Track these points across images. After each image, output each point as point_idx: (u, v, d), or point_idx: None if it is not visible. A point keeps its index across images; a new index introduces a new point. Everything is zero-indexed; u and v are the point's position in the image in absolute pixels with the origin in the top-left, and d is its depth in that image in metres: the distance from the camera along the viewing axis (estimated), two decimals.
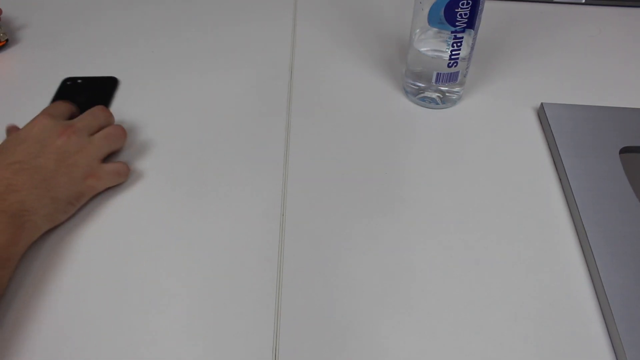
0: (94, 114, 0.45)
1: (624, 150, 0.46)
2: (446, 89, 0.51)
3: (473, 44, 0.48)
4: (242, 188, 0.45)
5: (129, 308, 0.37)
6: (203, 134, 0.50)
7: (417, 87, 0.52)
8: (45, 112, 0.44)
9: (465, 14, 0.44)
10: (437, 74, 0.49)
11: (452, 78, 0.49)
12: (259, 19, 0.64)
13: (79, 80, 0.55)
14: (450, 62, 0.48)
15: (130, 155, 0.48)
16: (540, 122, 0.51)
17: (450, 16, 0.44)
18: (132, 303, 0.37)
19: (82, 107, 0.51)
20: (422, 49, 0.49)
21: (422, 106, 0.52)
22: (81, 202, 0.42)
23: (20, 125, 0.43)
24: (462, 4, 0.43)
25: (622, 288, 0.37)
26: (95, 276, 0.38)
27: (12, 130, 0.44)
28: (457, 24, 0.45)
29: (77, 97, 0.53)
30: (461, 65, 0.48)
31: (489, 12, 0.64)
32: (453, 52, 0.47)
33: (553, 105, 0.50)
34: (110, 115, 0.47)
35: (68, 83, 0.55)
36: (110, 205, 0.43)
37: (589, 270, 0.39)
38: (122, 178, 0.44)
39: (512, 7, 0.65)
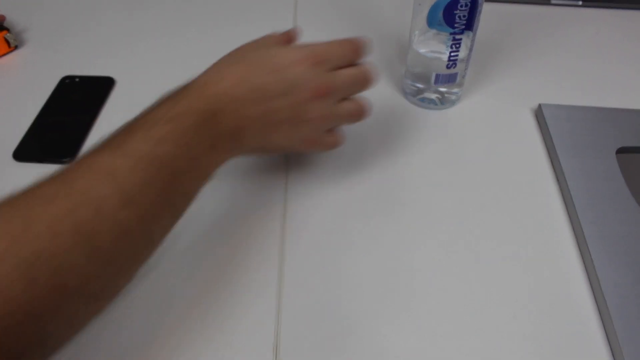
0: (356, 83, 0.40)
1: (621, 151, 0.47)
2: (445, 89, 0.51)
3: (472, 46, 0.48)
4: (242, 188, 0.45)
5: (129, 307, 0.37)
6: None
7: (416, 88, 0.52)
8: (317, 55, 0.38)
9: (464, 16, 0.44)
10: (436, 75, 0.49)
11: (450, 79, 0.50)
12: (259, 19, 0.64)
13: (77, 79, 0.55)
14: (449, 64, 0.48)
15: None
16: (538, 123, 0.51)
17: (449, 18, 0.45)
18: (132, 302, 0.37)
19: (76, 105, 0.52)
20: (421, 50, 0.49)
21: (421, 107, 0.52)
22: (285, 152, 0.44)
23: None
24: (461, 6, 0.44)
25: (619, 287, 0.37)
26: None
27: (288, 34, 0.41)
28: (455, 25, 0.45)
29: (73, 94, 0.54)
30: (460, 66, 0.49)
31: (487, 14, 0.65)
32: (452, 54, 0.47)
33: (551, 106, 0.51)
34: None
35: (66, 81, 0.55)
36: None
37: (586, 269, 0.39)
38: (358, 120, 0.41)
39: (510, 9, 0.65)
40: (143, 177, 0.30)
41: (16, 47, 0.59)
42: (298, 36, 0.42)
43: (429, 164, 0.47)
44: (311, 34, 0.62)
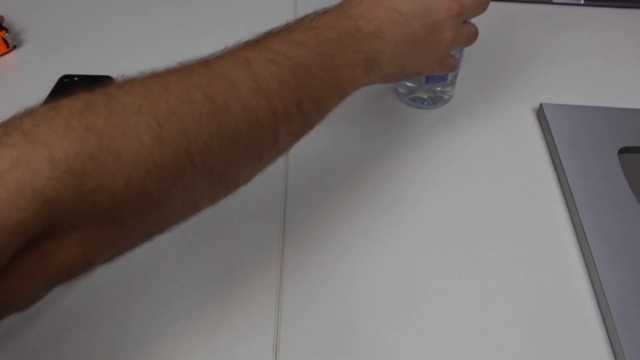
0: (479, 6, 0.41)
1: (623, 151, 0.46)
2: (437, 89, 0.51)
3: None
4: (242, 187, 0.45)
5: (129, 307, 0.37)
6: None
7: (408, 88, 0.52)
8: None
9: None
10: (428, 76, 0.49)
11: (442, 79, 0.49)
12: (258, 19, 0.63)
13: (76, 78, 0.55)
14: None
15: None
16: (540, 123, 0.51)
17: None
18: (132, 302, 0.37)
19: None
20: None
21: (414, 107, 0.52)
22: (412, 78, 0.43)
23: None
24: None
25: (620, 287, 0.37)
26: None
27: None
28: None
29: (72, 93, 0.53)
30: None
31: (487, 13, 0.64)
32: None
33: (552, 106, 0.50)
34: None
35: (65, 80, 0.55)
36: None
37: (587, 269, 0.39)
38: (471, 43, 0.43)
39: (511, 8, 0.65)
40: (277, 71, 0.31)
41: (14, 47, 0.59)
42: None
43: (430, 163, 0.47)
44: None
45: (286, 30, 0.34)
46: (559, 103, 0.51)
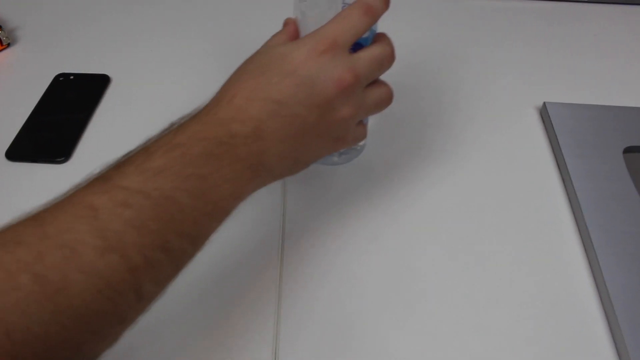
0: (381, 63, 0.35)
1: (628, 150, 0.46)
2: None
3: None
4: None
5: None
6: None
7: None
8: (326, 39, 0.32)
9: None
10: None
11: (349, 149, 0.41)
12: (258, 19, 0.63)
13: (71, 77, 0.55)
14: None
15: (119, 154, 0.47)
16: (543, 122, 0.50)
17: None
18: None
19: (72, 103, 0.51)
20: None
21: (320, 163, 0.45)
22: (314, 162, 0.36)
23: None
24: None
25: (625, 288, 0.36)
26: None
27: (289, 28, 0.37)
28: None
29: (67, 92, 0.53)
30: None
31: (490, 11, 0.64)
32: None
33: (556, 105, 0.50)
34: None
35: (60, 79, 0.54)
36: None
37: (591, 270, 0.39)
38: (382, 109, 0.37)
39: (514, 6, 0.65)
40: (132, 216, 0.25)
41: (9, 45, 0.59)
42: (295, 30, 0.38)
43: (431, 163, 0.46)
44: None
45: (144, 153, 0.28)
46: (563, 102, 0.50)
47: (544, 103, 0.50)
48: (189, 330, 0.35)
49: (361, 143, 0.44)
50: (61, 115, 0.50)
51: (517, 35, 0.61)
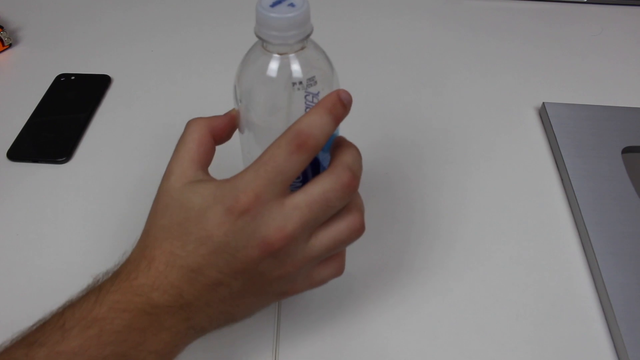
0: (328, 203, 0.27)
1: (626, 150, 0.46)
2: None
3: None
4: None
5: None
6: None
7: None
8: (250, 192, 0.26)
9: (298, 178, 0.29)
10: None
11: None
12: None
13: (72, 77, 0.55)
14: None
15: (120, 155, 0.47)
16: (542, 122, 0.50)
17: None
18: None
19: (73, 103, 0.51)
20: None
21: None
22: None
23: None
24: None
25: (623, 288, 0.36)
26: None
27: (199, 149, 0.30)
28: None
29: (69, 92, 0.53)
30: None
31: (490, 11, 0.64)
32: None
33: (555, 105, 0.50)
34: (354, 188, 0.29)
35: (62, 79, 0.54)
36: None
37: (590, 270, 0.39)
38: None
39: (514, 6, 0.65)
40: None
41: (10, 45, 0.59)
42: (226, 123, 0.32)
43: (430, 163, 0.46)
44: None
45: (60, 330, 0.26)
46: (562, 102, 0.50)
47: (543, 103, 0.50)
48: None
49: None
50: (62, 115, 0.51)
51: (516, 35, 0.61)
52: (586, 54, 0.58)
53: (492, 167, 0.46)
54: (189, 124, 0.31)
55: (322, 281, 0.30)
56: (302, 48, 0.28)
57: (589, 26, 0.62)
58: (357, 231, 0.30)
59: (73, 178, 0.46)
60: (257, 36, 0.28)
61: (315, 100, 0.28)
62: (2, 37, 0.57)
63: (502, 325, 0.36)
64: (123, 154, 0.47)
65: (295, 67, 0.28)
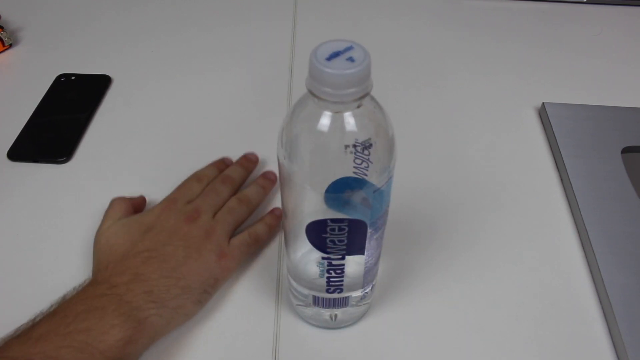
0: (216, 191, 0.40)
1: (626, 150, 0.46)
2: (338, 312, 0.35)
3: (374, 262, 0.32)
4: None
5: None
6: (199, 134, 0.49)
7: (300, 298, 0.35)
8: (169, 199, 0.39)
9: (341, 241, 0.28)
10: (315, 297, 0.33)
11: (338, 303, 0.33)
12: (259, 19, 0.63)
13: (73, 77, 0.55)
14: (329, 288, 0.32)
15: (120, 155, 0.47)
16: (542, 122, 0.50)
17: (316, 240, 0.29)
18: None
19: (73, 103, 0.51)
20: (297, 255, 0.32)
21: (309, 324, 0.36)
22: (217, 287, 0.36)
23: None
24: (332, 230, 0.28)
25: (623, 288, 0.37)
26: None
27: (134, 205, 0.40)
28: (328, 250, 0.29)
29: (69, 92, 0.53)
30: (351, 285, 0.32)
31: (490, 11, 0.64)
32: (332, 280, 0.31)
33: (555, 105, 0.50)
34: (235, 186, 0.42)
35: (62, 79, 0.54)
36: None
37: (590, 270, 0.39)
38: (255, 246, 0.39)
39: (514, 6, 0.65)
40: None
41: (10, 46, 0.59)
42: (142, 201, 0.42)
43: (430, 163, 0.46)
44: (311, 33, 0.62)
45: (30, 324, 0.30)
46: (562, 102, 0.50)
47: (543, 103, 0.50)
48: (189, 330, 0.35)
49: (361, 310, 0.36)
50: (62, 115, 0.51)
51: (516, 35, 0.61)
52: (586, 54, 0.58)
53: (492, 167, 0.46)
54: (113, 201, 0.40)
55: (242, 243, 0.38)
56: (359, 106, 0.25)
57: (589, 26, 0.62)
58: (241, 205, 0.40)
59: (73, 178, 0.46)
60: (309, 90, 0.24)
61: (365, 166, 0.26)
62: (2, 37, 0.57)
63: (502, 325, 0.36)
64: (123, 154, 0.47)
65: (349, 128, 0.25)
